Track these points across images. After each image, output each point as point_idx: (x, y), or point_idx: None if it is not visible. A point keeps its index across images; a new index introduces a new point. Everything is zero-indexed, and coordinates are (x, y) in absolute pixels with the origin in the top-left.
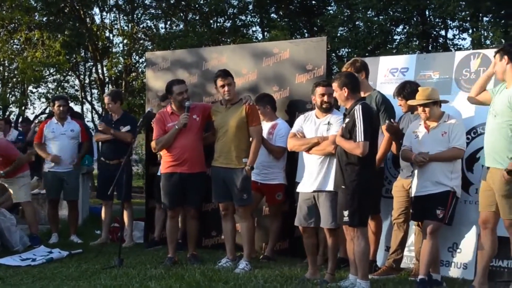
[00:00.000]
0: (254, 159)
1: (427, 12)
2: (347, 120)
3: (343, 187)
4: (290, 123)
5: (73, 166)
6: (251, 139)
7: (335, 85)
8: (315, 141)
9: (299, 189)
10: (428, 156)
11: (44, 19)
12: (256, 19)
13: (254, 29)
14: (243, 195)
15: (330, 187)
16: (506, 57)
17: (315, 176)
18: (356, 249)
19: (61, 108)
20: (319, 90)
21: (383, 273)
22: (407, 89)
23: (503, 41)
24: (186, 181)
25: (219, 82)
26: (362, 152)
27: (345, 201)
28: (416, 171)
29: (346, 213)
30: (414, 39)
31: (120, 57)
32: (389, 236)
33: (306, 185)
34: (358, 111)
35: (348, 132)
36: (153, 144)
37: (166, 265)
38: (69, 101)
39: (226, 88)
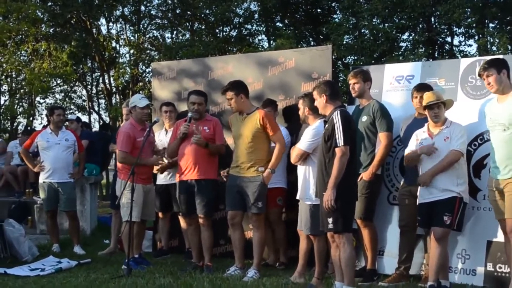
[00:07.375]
0: (276, 162)
1: (432, 19)
2: (326, 125)
3: (324, 194)
4: (296, 131)
5: (73, 178)
6: (273, 144)
7: (315, 93)
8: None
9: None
10: (429, 176)
11: (51, 30)
12: (261, 28)
13: (260, 38)
14: (258, 204)
15: (306, 196)
16: (504, 70)
17: (300, 185)
18: (342, 255)
19: (60, 117)
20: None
21: (393, 281)
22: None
23: (509, 47)
24: (193, 188)
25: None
26: (344, 156)
27: None
28: None
29: (330, 220)
30: (420, 46)
31: (127, 67)
32: (395, 243)
33: (299, 192)
34: (336, 116)
35: (327, 138)
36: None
37: (190, 270)
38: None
39: (228, 102)
